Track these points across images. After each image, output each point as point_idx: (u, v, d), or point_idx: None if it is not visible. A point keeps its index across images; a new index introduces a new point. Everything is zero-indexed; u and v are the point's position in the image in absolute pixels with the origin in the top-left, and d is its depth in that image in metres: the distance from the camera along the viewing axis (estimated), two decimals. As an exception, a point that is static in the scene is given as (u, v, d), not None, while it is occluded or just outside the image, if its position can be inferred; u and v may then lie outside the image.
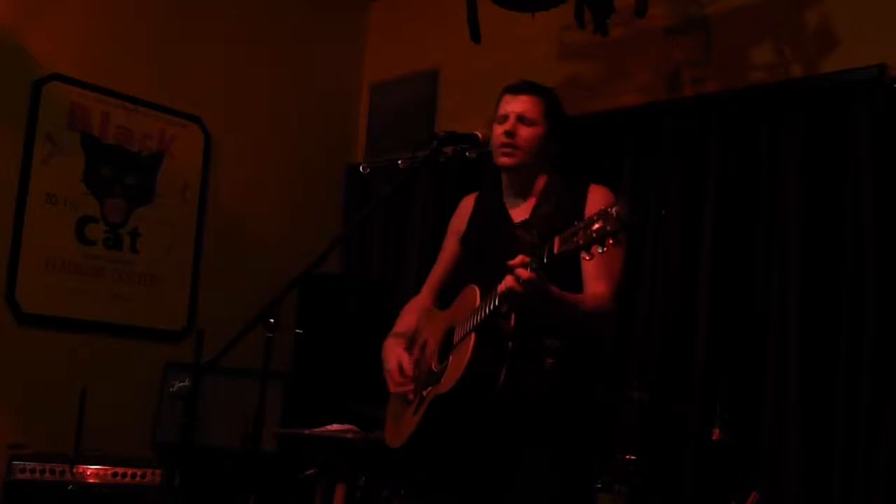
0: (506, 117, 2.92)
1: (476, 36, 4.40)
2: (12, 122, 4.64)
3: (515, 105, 2.91)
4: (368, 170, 5.74)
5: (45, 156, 4.71)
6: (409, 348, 3.06)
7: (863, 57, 3.84)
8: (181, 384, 4.71)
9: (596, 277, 2.79)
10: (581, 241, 2.32)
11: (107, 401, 4.62)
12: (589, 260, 2.39)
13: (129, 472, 4.26)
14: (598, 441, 3.00)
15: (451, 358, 2.75)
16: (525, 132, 2.90)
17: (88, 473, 4.18)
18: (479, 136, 3.05)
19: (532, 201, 2.94)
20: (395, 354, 3.02)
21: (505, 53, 5.00)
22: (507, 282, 2.50)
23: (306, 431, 4.19)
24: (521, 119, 2.90)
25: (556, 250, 2.41)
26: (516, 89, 2.96)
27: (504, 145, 2.91)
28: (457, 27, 4.46)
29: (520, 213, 2.96)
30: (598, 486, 3.58)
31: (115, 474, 4.22)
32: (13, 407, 4.52)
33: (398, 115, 5.78)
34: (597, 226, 2.29)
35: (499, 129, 2.93)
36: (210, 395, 4.56)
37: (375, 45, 6.07)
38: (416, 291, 5.18)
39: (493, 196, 3.07)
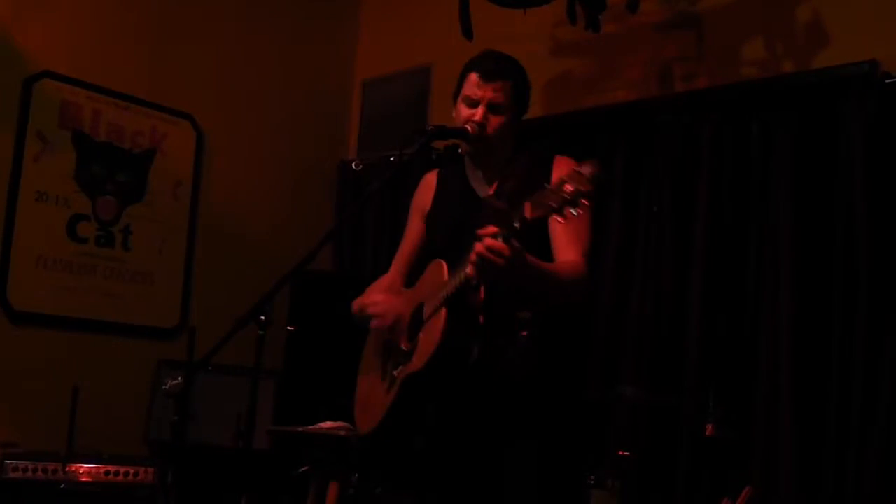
0: (475, 103, 2.85)
1: (468, 32, 4.39)
2: (3, 119, 4.62)
3: (486, 92, 2.84)
4: (361, 166, 5.74)
5: (35, 153, 4.70)
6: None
7: (854, 53, 3.84)
8: (174, 382, 4.69)
9: (566, 244, 2.74)
10: (554, 204, 2.26)
11: (99, 399, 4.61)
12: (562, 223, 2.31)
13: (122, 470, 4.24)
14: (583, 425, 2.96)
15: (421, 335, 2.71)
16: (495, 121, 2.85)
17: (81, 472, 4.17)
18: (470, 129, 3.03)
19: (495, 175, 2.90)
20: (367, 298, 2.97)
21: (497, 49, 4.98)
22: (478, 250, 2.40)
23: (299, 429, 4.18)
24: (490, 107, 2.84)
25: (527, 215, 2.32)
26: (487, 74, 2.85)
27: (474, 135, 2.84)
28: (449, 24, 4.46)
29: (484, 188, 2.92)
30: (591, 481, 3.58)
31: (107, 473, 4.21)
32: (5, 405, 4.51)
33: (391, 112, 5.77)
34: (568, 187, 2.24)
35: (466, 112, 2.86)
36: (203, 393, 4.55)
37: (368, 41, 6.06)
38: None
39: (456, 173, 3.03)
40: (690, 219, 4.21)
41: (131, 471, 4.26)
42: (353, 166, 5.76)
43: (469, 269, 2.47)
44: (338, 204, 5.85)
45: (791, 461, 3.74)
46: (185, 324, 5.07)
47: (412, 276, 3.10)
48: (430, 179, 3.14)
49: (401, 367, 2.76)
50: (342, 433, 4.03)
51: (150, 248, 5.07)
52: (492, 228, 2.41)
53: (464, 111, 2.88)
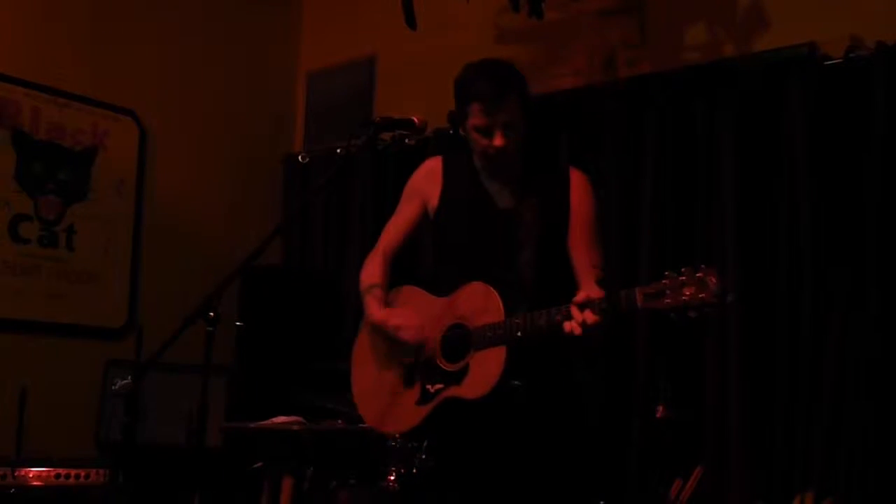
0: (489, 130, 2.80)
1: (411, 22, 4.38)
2: (-61, 120, 4.54)
3: (498, 116, 2.78)
4: (307, 159, 5.67)
5: (-26, 154, 4.62)
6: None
7: (794, 36, 3.90)
8: (123, 382, 4.64)
9: (589, 270, 2.82)
10: (671, 302, 2.37)
11: (47, 401, 4.56)
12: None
13: (73, 472, 4.19)
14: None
15: (472, 363, 2.77)
16: (513, 136, 2.82)
17: (31, 476, 4.11)
18: (416, 121, 3.03)
19: (511, 185, 2.91)
20: (394, 314, 2.97)
21: (441, 39, 4.99)
22: (574, 327, 2.52)
23: (251, 425, 4.16)
24: (506, 128, 2.80)
25: (638, 303, 2.43)
26: (490, 102, 2.78)
27: (495, 157, 2.84)
28: (392, 14, 4.45)
29: (502, 198, 2.93)
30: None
31: (58, 476, 4.15)
32: (-50, 411, 4.43)
33: (336, 104, 5.75)
34: (688, 290, 2.34)
35: (483, 142, 2.83)
36: (153, 393, 4.51)
37: (311, 33, 6.02)
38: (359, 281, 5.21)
39: (465, 171, 2.99)
40: (637, 201, 4.24)
41: (82, 473, 4.21)
42: (300, 159, 5.70)
43: (543, 321, 2.60)
44: (285, 197, 5.81)
45: (741, 440, 3.79)
46: (133, 323, 5.01)
47: (399, 262, 3.13)
48: (435, 169, 3.07)
49: (441, 386, 2.84)
50: (295, 427, 4.01)
51: (95, 247, 5.00)
52: (586, 296, 2.52)
53: (480, 140, 2.84)
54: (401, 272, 3.15)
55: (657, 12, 4.43)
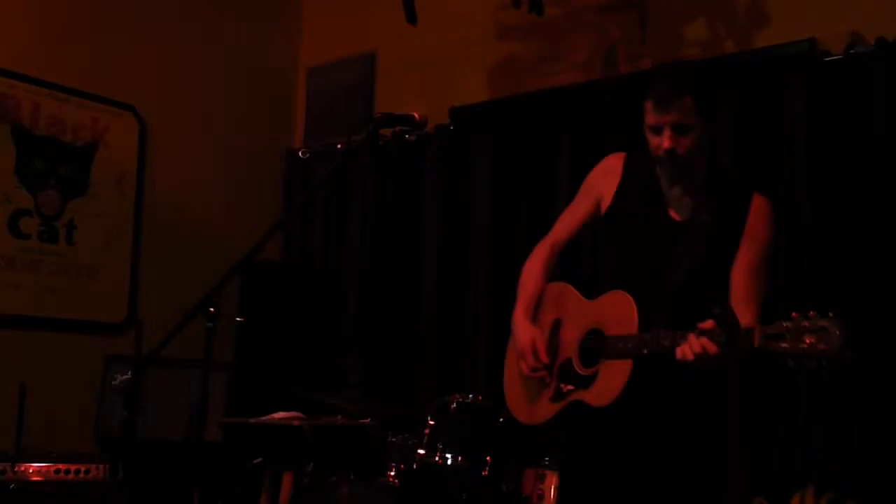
0: (660, 129, 2.78)
1: (412, 17, 4.38)
2: (-61, 115, 4.54)
3: (667, 116, 2.76)
4: (308, 154, 5.71)
5: (-27, 149, 4.62)
6: (534, 317, 3.09)
7: (794, 32, 3.90)
8: (124, 377, 4.63)
9: (744, 299, 2.74)
10: (787, 347, 2.28)
11: (47, 397, 4.55)
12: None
13: (73, 468, 4.18)
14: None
15: (601, 371, 2.81)
16: (685, 141, 2.77)
17: (31, 471, 4.10)
18: (416, 116, 3.04)
19: (690, 197, 2.87)
20: (528, 332, 3.02)
21: (442, 34, 4.99)
22: (686, 352, 2.51)
23: (251, 420, 4.16)
24: (676, 129, 2.76)
25: (754, 343, 2.38)
26: (661, 100, 2.76)
27: (666, 160, 2.81)
28: (393, 9, 4.45)
29: (678, 207, 2.89)
30: (546, 461, 3.59)
31: (57, 471, 4.15)
32: (-50, 406, 4.43)
33: (337, 99, 5.75)
34: (809, 339, 2.24)
35: (655, 141, 2.81)
36: (153, 388, 4.51)
37: (311, 28, 6.02)
38: (359, 277, 5.22)
39: (646, 171, 2.95)
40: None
41: (82, 468, 4.20)
42: (300, 154, 5.73)
43: (667, 342, 2.58)
44: (285, 193, 5.81)
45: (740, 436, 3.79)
46: (133, 318, 5.01)
47: (569, 253, 3.22)
48: (615, 166, 3.06)
49: (573, 387, 2.90)
50: (295, 423, 4.01)
51: (95, 242, 5.00)
52: (712, 326, 2.47)
53: (652, 140, 2.83)
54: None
55: (657, 8, 4.42)
